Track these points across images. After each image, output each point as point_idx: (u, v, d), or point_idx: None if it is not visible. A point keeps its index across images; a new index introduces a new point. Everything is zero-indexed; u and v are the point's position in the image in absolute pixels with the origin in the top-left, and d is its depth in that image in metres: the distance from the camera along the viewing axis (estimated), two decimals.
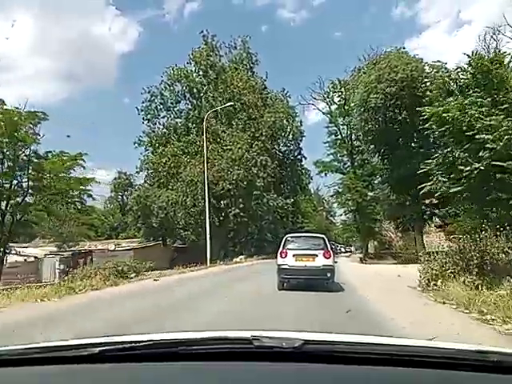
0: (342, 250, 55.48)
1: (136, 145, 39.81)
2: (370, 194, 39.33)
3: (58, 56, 77.53)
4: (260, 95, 37.65)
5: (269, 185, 35.20)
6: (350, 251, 59.68)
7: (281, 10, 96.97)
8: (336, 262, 12.36)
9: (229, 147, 33.46)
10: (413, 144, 25.41)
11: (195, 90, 37.63)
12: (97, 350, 1.21)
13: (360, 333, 1.46)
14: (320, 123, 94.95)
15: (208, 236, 25.37)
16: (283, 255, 10.58)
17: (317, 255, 10.35)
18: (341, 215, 44.26)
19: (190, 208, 35.14)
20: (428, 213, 25.77)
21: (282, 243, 11.02)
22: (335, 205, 51.57)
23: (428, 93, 18.79)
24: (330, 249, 10.73)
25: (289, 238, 11.17)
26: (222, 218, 36.49)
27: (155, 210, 37.56)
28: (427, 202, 26.87)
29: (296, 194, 44.86)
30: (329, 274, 10.20)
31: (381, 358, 1.12)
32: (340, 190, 40.36)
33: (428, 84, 22.39)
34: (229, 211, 33.14)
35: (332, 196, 40.79)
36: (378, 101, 22.06)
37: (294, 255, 10.45)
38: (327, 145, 39.72)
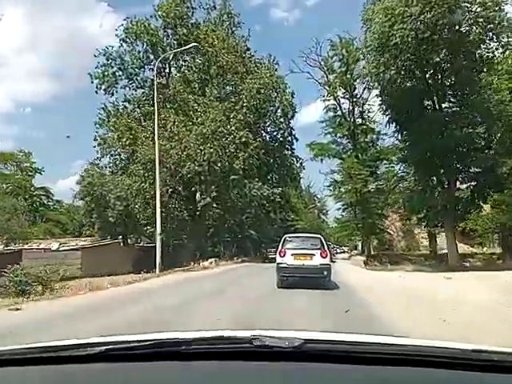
0: (338, 250, 48.43)
1: (97, 125, 31.95)
2: (373, 185, 32.51)
3: (46, 52, 70.99)
4: (242, 59, 30.26)
5: (251, 169, 27.86)
6: (343, 251, 52.95)
7: (274, 10, 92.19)
8: (334, 262, 12.69)
9: (200, 120, 26.05)
10: (447, 105, 18.36)
11: (160, 51, 30.10)
12: (98, 349, 1.21)
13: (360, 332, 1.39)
14: (314, 126, 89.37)
15: (158, 232, 18.08)
16: (282, 254, 10.94)
17: (314, 254, 10.69)
18: (338, 209, 37.06)
19: (151, 198, 27.60)
20: (468, 201, 18.58)
21: (281, 243, 11.39)
22: (329, 201, 43.66)
23: None
24: (326, 248, 11.10)
25: (287, 238, 11.57)
26: (197, 212, 29.17)
27: (111, 200, 30.14)
28: (464, 187, 19.82)
29: (285, 184, 37.55)
30: (325, 273, 10.51)
31: (381, 358, 1.12)
32: (338, 180, 33.31)
33: (480, 9, 15.31)
34: (198, 201, 25.77)
35: (328, 186, 33.63)
36: (406, 33, 14.83)
37: (292, 254, 10.81)
38: (324, 124, 32.58)
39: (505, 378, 1.07)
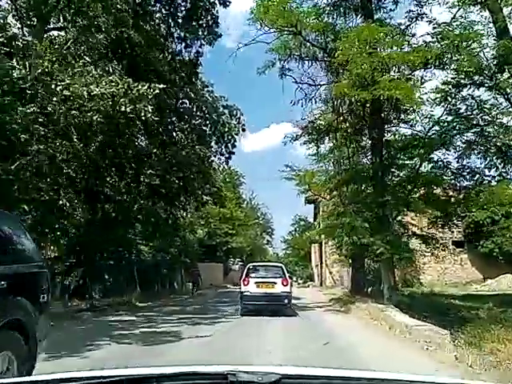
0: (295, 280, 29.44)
1: None
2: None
3: None
4: None
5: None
6: (297, 283, 34.31)
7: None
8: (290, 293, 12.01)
9: None
10: None
11: None
12: None
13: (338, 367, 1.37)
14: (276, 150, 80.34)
15: None
16: (246, 283, 11.48)
17: (276, 283, 11.38)
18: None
19: None
20: None
21: (245, 272, 12.08)
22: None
23: None
24: (287, 277, 11.74)
25: (251, 267, 12.36)
26: None
27: None
28: None
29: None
30: (286, 301, 11.24)
31: None
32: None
33: None
34: None
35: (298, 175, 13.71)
36: None
37: (255, 282, 11.42)
38: None
39: None
